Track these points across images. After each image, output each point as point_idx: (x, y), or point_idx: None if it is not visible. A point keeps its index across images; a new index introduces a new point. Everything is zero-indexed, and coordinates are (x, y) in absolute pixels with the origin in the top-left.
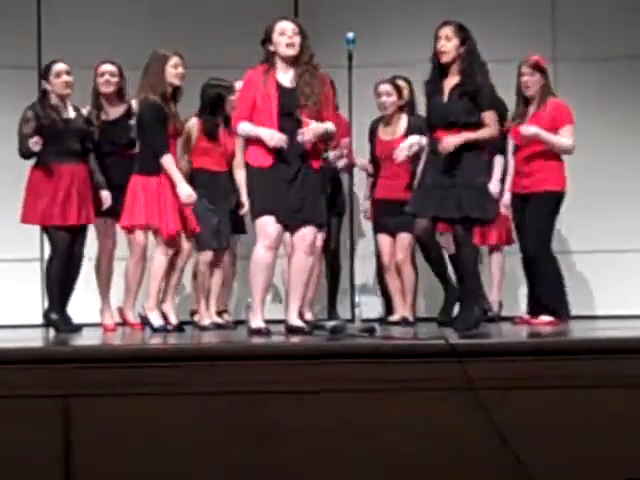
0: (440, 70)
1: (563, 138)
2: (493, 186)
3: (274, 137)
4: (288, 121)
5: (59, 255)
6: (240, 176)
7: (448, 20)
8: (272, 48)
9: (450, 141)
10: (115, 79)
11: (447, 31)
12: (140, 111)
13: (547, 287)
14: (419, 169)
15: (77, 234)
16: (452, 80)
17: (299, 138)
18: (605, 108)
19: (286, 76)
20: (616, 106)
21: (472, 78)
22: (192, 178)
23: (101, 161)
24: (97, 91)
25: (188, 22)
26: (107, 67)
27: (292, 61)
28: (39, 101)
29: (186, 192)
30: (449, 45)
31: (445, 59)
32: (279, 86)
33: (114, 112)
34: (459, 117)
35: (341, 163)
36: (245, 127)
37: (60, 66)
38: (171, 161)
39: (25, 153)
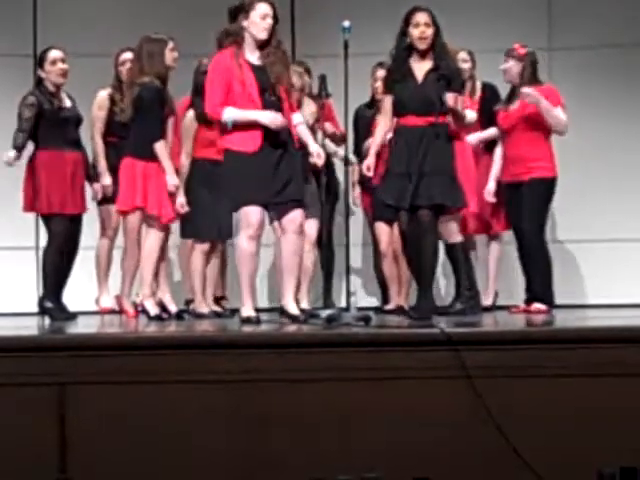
0: (408, 55)
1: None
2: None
3: (277, 118)
4: (267, 102)
5: (58, 243)
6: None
7: (420, 6)
8: (245, 24)
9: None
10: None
11: (426, 17)
12: (141, 95)
13: (540, 275)
14: (372, 147)
15: (75, 223)
16: (425, 65)
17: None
18: (601, 97)
19: (253, 55)
20: (612, 94)
21: (447, 62)
22: (194, 168)
23: (113, 143)
24: (119, 77)
25: (184, 7)
26: (128, 55)
27: (260, 43)
28: (37, 88)
29: (174, 182)
30: (430, 31)
31: (424, 45)
32: (251, 66)
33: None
34: (438, 101)
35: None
36: (233, 113)
37: (55, 53)
38: (164, 147)
39: (20, 139)
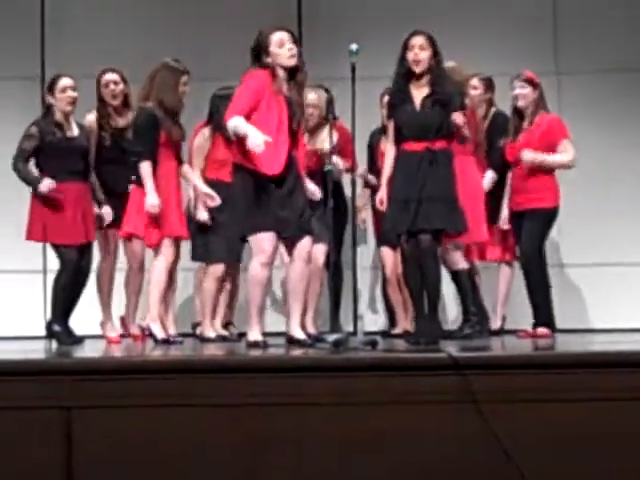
0: (407, 79)
1: (561, 155)
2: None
3: (260, 146)
4: (290, 132)
5: (68, 270)
6: (198, 180)
7: (418, 30)
8: (270, 60)
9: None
10: (120, 87)
11: (421, 40)
12: (135, 120)
13: (541, 300)
14: (382, 178)
15: (83, 250)
16: (423, 90)
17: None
18: (608, 121)
19: (283, 86)
20: (618, 119)
21: (443, 87)
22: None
23: (107, 168)
24: (102, 100)
25: (189, 33)
26: (110, 76)
27: (291, 71)
28: (43, 117)
29: (153, 202)
30: (424, 54)
31: (419, 68)
32: (285, 96)
33: (122, 120)
34: (434, 127)
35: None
36: (238, 122)
37: (66, 81)
38: (148, 168)
39: (19, 168)
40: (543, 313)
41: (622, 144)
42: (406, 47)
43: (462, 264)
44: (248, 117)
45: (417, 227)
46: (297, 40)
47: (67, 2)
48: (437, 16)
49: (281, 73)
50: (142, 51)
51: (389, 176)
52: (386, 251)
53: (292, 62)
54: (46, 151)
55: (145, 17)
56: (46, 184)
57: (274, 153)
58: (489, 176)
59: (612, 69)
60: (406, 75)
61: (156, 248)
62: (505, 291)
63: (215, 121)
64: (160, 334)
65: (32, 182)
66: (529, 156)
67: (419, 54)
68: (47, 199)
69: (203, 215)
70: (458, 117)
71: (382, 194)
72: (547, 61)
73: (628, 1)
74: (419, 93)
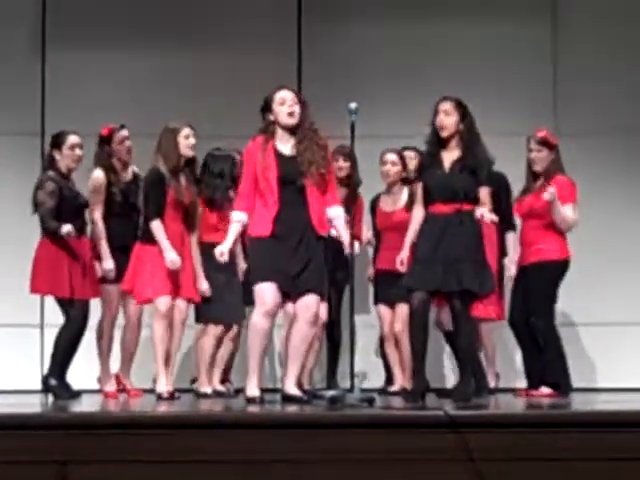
0: (438, 143)
1: (568, 213)
2: (509, 261)
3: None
4: (289, 190)
5: (73, 326)
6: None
7: (447, 95)
8: (272, 117)
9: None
10: (130, 142)
11: (446, 106)
12: (145, 177)
13: (549, 359)
14: (406, 239)
15: (87, 305)
16: (453, 154)
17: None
18: (607, 182)
19: (286, 145)
20: (618, 180)
21: (473, 153)
22: (203, 252)
23: (116, 222)
24: (112, 155)
25: (190, 92)
26: (125, 132)
27: (292, 130)
28: (52, 170)
29: (171, 258)
30: (448, 120)
31: (445, 133)
32: (278, 155)
33: (127, 174)
34: (462, 190)
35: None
36: (234, 218)
37: (75, 139)
38: (159, 227)
39: (53, 227)
40: (552, 373)
41: (620, 205)
42: (436, 112)
43: None
44: (254, 189)
45: (446, 288)
46: (303, 101)
47: (66, 59)
48: (436, 77)
49: (280, 132)
50: (143, 109)
51: (414, 237)
52: (383, 309)
53: (290, 121)
54: (61, 207)
55: (146, 75)
56: (67, 227)
57: (260, 216)
58: (511, 238)
59: (611, 130)
60: (436, 139)
61: (148, 305)
62: (492, 349)
63: (203, 183)
64: (160, 388)
65: (56, 230)
66: (552, 193)
67: (444, 120)
68: (57, 254)
69: (203, 285)
70: (485, 197)
71: (404, 256)
72: (547, 121)
73: (628, 63)
74: (449, 156)
